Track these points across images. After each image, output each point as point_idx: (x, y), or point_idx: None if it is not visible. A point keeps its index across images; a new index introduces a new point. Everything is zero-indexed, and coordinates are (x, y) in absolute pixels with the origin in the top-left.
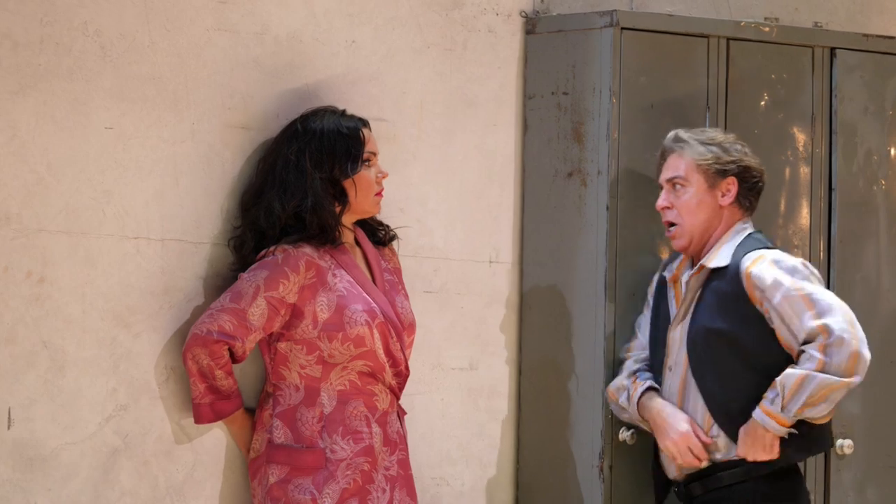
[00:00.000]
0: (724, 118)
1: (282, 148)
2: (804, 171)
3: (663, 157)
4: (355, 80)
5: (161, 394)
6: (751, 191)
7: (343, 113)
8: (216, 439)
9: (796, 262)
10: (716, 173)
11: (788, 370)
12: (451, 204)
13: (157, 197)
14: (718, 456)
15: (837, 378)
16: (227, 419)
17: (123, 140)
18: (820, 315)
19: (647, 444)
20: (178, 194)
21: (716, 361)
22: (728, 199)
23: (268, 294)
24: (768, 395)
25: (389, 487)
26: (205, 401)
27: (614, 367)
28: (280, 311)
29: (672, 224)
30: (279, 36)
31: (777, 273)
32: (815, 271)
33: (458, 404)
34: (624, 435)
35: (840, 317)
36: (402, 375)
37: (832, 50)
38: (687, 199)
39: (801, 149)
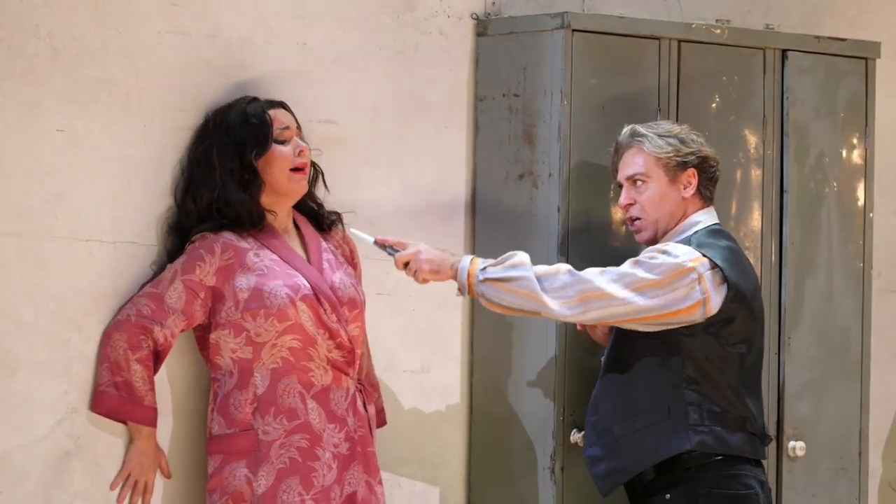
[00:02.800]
0: (676, 120)
1: (194, 148)
2: (755, 172)
3: (618, 152)
4: (307, 83)
5: None
6: (710, 181)
7: (252, 100)
8: (167, 441)
9: (685, 257)
10: (676, 166)
11: (527, 259)
12: (403, 206)
13: (108, 199)
14: None
15: (539, 291)
16: (134, 430)
17: (75, 142)
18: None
19: None
20: (129, 197)
21: (623, 369)
22: (690, 191)
23: (184, 277)
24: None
25: (338, 465)
26: (110, 391)
27: (566, 369)
28: (199, 293)
29: (635, 218)
30: (230, 38)
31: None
32: (696, 277)
33: (409, 406)
34: (576, 437)
35: (616, 278)
36: (344, 348)
37: (784, 52)
38: (650, 195)
39: (752, 151)
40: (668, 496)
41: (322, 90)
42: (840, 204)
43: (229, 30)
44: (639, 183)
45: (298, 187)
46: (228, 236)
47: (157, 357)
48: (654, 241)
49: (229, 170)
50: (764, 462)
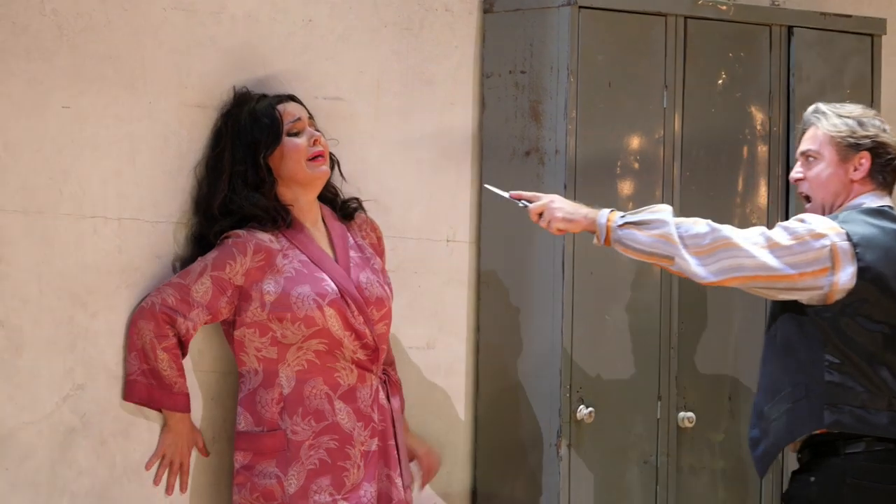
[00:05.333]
0: (682, 97)
1: (209, 154)
2: (762, 149)
3: (804, 130)
4: (312, 59)
5: (118, 373)
6: (885, 167)
7: (260, 98)
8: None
9: (820, 225)
10: (848, 147)
11: (668, 208)
12: (409, 183)
13: (113, 176)
14: None
15: (675, 234)
16: (167, 415)
17: (80, 119)
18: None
19: (604, 423)
20: (134, 173)
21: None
22: (860, 174)
23: (214, 273)
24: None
25: (365, 463)
26: (140, 379)
27: (572, 346)
28: (226, 291)
29: (807, 199)
30: (236, 15)
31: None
32: (829, 244)
33: (415, 384)
34: (582, 413)
35: (750, 235)
36: (369, 348)
37: (790, 28)
38: (818, 172)
39: (758, 127)
40: (812, 479)
41: (327, 67)
42: None
43: (234, 6)
44: (810, 159)
45: (319, 173)
46: (261, 237)
47: (181, 345)
48: None
49: (240, 172)
50: None
